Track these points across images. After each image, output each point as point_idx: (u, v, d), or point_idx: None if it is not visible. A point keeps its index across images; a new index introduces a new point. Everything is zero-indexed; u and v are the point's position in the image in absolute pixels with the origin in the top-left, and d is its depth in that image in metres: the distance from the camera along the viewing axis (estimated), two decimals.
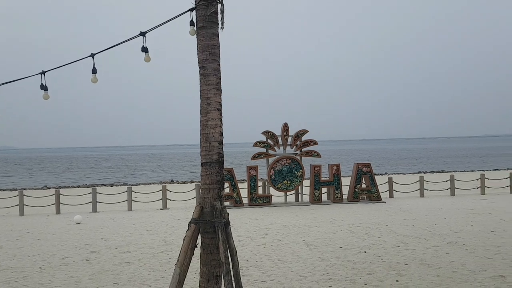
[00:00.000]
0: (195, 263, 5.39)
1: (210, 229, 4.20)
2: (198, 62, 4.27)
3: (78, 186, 31.15)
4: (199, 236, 4.36)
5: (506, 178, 19.75)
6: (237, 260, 4.30)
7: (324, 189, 17.27)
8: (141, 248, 9.71)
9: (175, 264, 4.29)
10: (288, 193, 16.87)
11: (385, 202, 16.46)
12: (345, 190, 17.21)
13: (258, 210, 15.21)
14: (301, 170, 16.65)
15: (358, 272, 7.31)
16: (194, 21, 4.31)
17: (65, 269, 8.06)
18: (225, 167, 16.80)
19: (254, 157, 16.83)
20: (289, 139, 16.98)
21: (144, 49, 4.69)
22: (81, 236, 11.36)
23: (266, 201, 16.36)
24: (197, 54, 4.28)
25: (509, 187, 19.06)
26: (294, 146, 16.97)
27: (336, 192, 16.62)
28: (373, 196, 16.73)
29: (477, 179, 19.51)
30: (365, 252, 8.72)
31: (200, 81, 4.28)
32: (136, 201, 17.57)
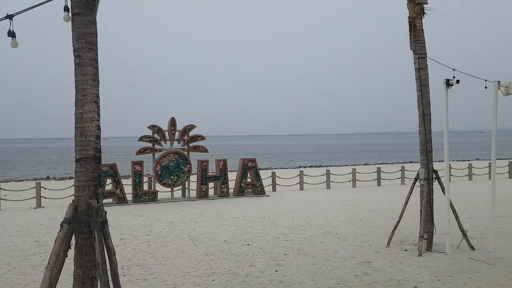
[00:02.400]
0: (72, 265, 5.07)
1: (85, 229, 3.96)
2: (73, 51, 3.99)
3: None
4: (74, 237, 4.10)
5: (374, 172, 21.83)
6: (115, 260, 4.13)
7: (211, 184, 17.40)
8: (10, 250, 8.85)
9: (45, 267, 3.99)
10: (174, 188, 16.67)
11: (268, 196, 17.13)
12: (232, 184, 17.54)
13: (143, 207, 14.80)
14: (188, 165, 16.56)
15: (241, 264, 7.51)
16: (69, 6, 4.02)
17: None
18: (109, 162, 16.05)
19: (139, 152, 16.31)
20: (177, 134, 16.79)
21: (11, 34, 4.26)
22: None
23: (151, 197, 15.98)
24: (72, 42, 4.00)
25: (376, 180, 21.10)
26: (182, 141, 16.83)
27: (223, 186, 16.87)
28: (258, 190, 17.31)
29: (349, 173, 21.26)
30: (248, 244, 8.99)
31: (75, 71, 4.00)
32: (5, 200, 15.92)
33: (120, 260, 7.83)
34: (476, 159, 40.54)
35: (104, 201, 15.47)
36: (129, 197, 15.89)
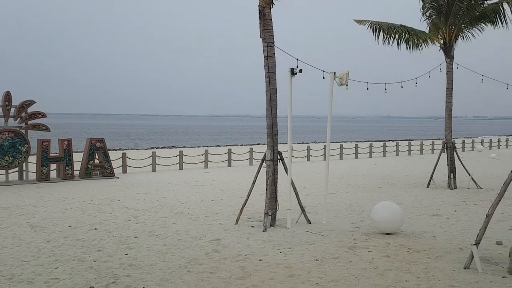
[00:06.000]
0: None
1: None
2: None
3: None
4: None
5: (225, 154, 22.63)
6: None
7: (53, 166, 16.07)
8: None
9: None
10: (10, 170, 14.98)
11: (118, 178, 16.53)
12: (78, 166, 16.45)
13: None
14: (26, 145, 15.02)
15: (88, 250, 7.18)
16: None
17: None
18: None
19: None
20: (13, 110, 15.05)
21: None
22: None
23: None
24: None
25: (227, 161, 21.92)
26: (19, 118, 15.16)
27: (67, 168, 15.74)
28: (106, 171, 16.57)
29: (202, 154, 21.68)
30: (95, 229, 8.61)
31: None
32: None
33: None
34: (314, 142, 44.76)
35: None
36: None
